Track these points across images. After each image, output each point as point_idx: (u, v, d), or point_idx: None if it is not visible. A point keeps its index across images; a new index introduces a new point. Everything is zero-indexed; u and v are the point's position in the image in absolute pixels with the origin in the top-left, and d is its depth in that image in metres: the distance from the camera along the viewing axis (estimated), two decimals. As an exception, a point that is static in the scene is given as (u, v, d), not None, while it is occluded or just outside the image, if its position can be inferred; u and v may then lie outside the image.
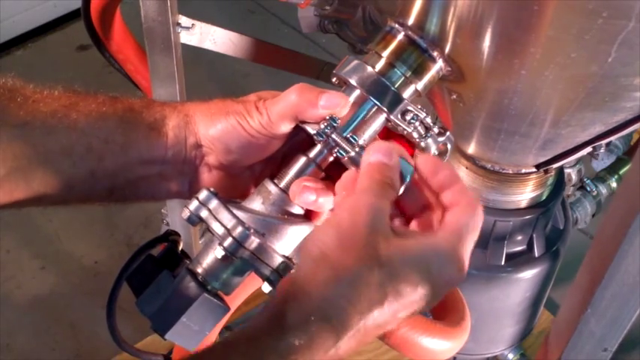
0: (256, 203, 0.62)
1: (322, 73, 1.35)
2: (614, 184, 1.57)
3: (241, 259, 0.58)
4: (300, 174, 0.62)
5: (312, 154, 0.62)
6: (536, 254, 1.03)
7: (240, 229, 0.58)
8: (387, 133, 0.66)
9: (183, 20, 1.15)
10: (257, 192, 0.63)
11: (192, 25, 1.17)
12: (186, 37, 1.18)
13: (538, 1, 0.55)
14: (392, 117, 0.62)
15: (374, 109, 0.62)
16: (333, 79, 0.66)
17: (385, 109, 0.62)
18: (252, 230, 0.58)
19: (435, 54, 0.64)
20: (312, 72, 1.37)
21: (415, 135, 0.62)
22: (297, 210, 0.62)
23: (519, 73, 0.64)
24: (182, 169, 0.64)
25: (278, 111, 0.61)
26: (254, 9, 2.77)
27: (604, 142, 0.79)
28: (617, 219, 0.84)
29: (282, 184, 0.62)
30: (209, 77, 2.39)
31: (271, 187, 0.62)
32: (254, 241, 0.58)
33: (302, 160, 0.63)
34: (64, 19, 2.67)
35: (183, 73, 1.23)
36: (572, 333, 0.98)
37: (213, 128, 0.63)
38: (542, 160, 0.87)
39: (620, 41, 0.56)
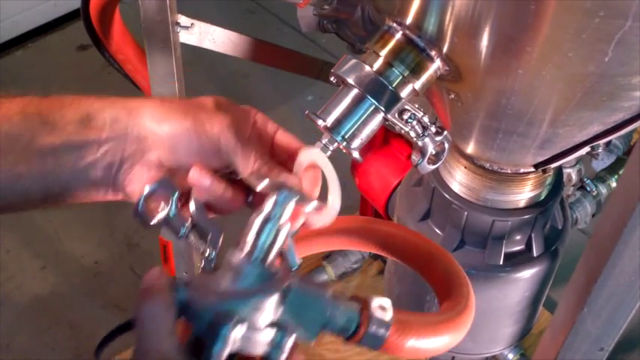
0: (228, 282, 0.56)
1: (322, 73, 1.35)
2: (614, 184, 1.57)
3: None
4: (259, 234, 0.57)
5: (266, 211, 0.58)
6: (535, 254, 1.03)
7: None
8: (385, 132, 0.66)
9: (183, 20, 1.15)
10: (224, 270, 0.56)
11: (192, 24, 1.17)
12: (185, 37, 1.18)
13: (535, 1, 0.55)
14: (389, 116, 0.62)
15: (371, 109, 0.62)
16: (332, 78, 0.66)
17: (382, 109, 0.62)
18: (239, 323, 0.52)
19: (433, 53, 0.65)
20: (312, 72, 1.37)
21: (412, 134, 0.62)
22: (273, 268, 0.57)
23: (517, 73, 0.64)
24: (119, 166, 0.61)
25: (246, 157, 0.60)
26: (254, 9, 2.77)
27: (602, 141, 0.79)
28: (613, 218, 0.84)
29: (246, 253, 0.57)
30: (209, 77, 2.39)
31: (239, 262, 0.56)
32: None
33: (258, 220, 0.57)
34: (64, 19, 2.67)
35: (183, 73, 1.23)
36: (568, 332, 0.98)
37: (166, 124, 0.60)
38: (540, 159, 0.87)
39: (617, 40, 0.56)
